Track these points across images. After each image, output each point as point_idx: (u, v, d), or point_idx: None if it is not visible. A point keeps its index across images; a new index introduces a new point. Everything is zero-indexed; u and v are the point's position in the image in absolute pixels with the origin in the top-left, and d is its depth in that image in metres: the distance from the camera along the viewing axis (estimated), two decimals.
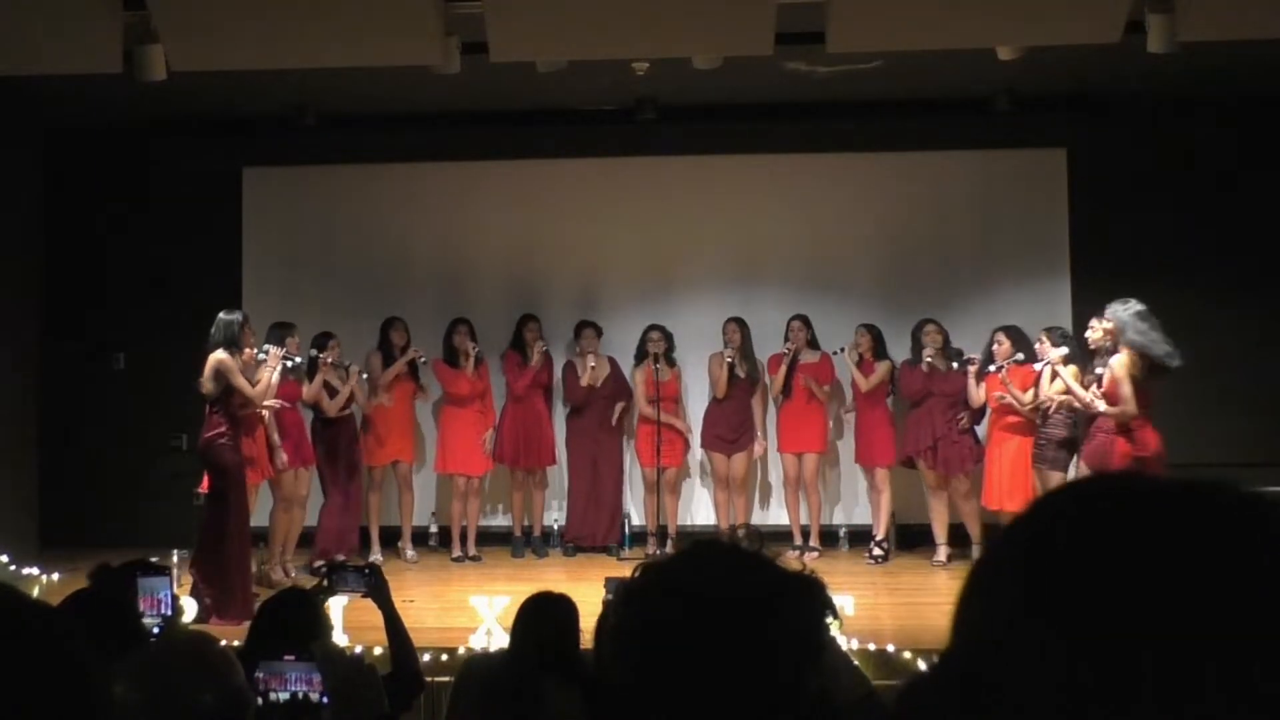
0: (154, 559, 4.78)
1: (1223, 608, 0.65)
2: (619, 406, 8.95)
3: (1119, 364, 6.68)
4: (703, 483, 9.38)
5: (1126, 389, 6.62)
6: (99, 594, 3.00)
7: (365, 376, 8.47)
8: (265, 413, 7.45)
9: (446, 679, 5.66)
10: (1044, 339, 7.68)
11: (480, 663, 3.99)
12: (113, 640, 2.54)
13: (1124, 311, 6.76)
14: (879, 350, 8.71)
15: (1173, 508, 0.70)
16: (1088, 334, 7.31)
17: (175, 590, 3.93)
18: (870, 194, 9.45)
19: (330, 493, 8.30)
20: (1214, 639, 0.65)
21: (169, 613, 3.80)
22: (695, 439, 9.15)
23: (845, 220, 9.49)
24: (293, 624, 3.51)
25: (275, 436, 7.68)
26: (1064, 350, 7.46)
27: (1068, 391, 7.36)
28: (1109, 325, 6.83)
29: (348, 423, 8.46)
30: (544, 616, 3.78)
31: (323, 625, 3.65)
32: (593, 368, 8.85)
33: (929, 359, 8.42)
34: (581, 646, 3.83)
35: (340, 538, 8.38)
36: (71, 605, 2.89)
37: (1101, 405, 6.89)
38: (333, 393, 8.24)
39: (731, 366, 8.77)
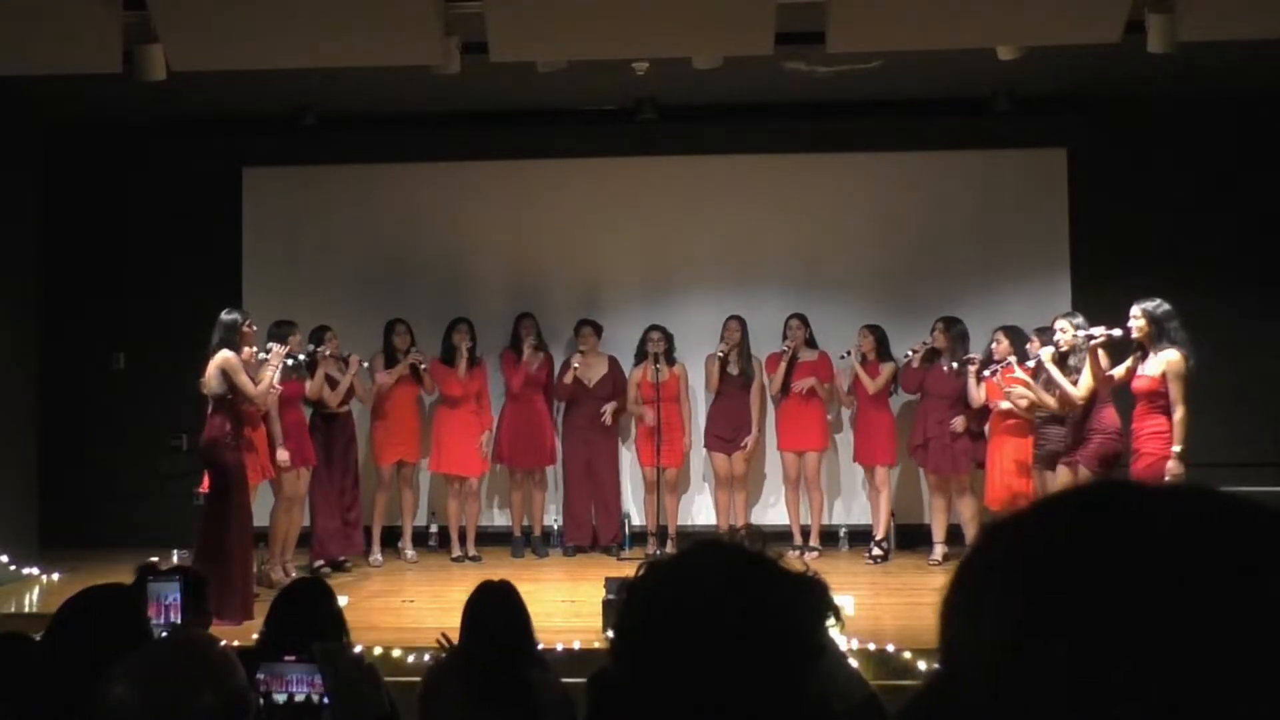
0: (155, 559, 4.78)
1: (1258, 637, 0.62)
2: (609, 406, 8.94)
3: (1176, 362, 6.55)
4: (702, 483, 9.38)
5: (1180, 389, 6.51)
6: (108, 592, 2.99)
7: (366, 366, 8.48)
8: (270, 409, 7.45)
9: None
10: (1034, 338, 7.71)
11: (440, 669, 3.92)
12: (117, 639, 2.54)
13: (1160, 310, 6.68)
14: (883, 351, 8.72)
15: (1207, 528, 0.67)
16: (1057, 335, 7.33)
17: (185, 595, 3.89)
18: (870, 194, 9.44)
19: (325, 492, 8.26)
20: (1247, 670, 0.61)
21: (176, 619, 3.78)
22: (697, 439, 9.15)
23: (845, 220, 9.49)
24: (311, 613, 3.53)
25: (277, 431, 7.67)
26: (1050, 349, 7.43)
27: (1048, 387, 7.40)
28: (1142, 324, 6.72)
29: (346, 420, 8.45)
30: (494, 605, 3.77)
31: (341, 620, 3.66)
32: (576, 367, 8.85)
33: (909, 353, 8.52)
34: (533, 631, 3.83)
35: (341, 538, 8.37)
36: (78, 602, 2.89)
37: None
38: (334, 385, 8.25)
39: (724, 362, 8.77)
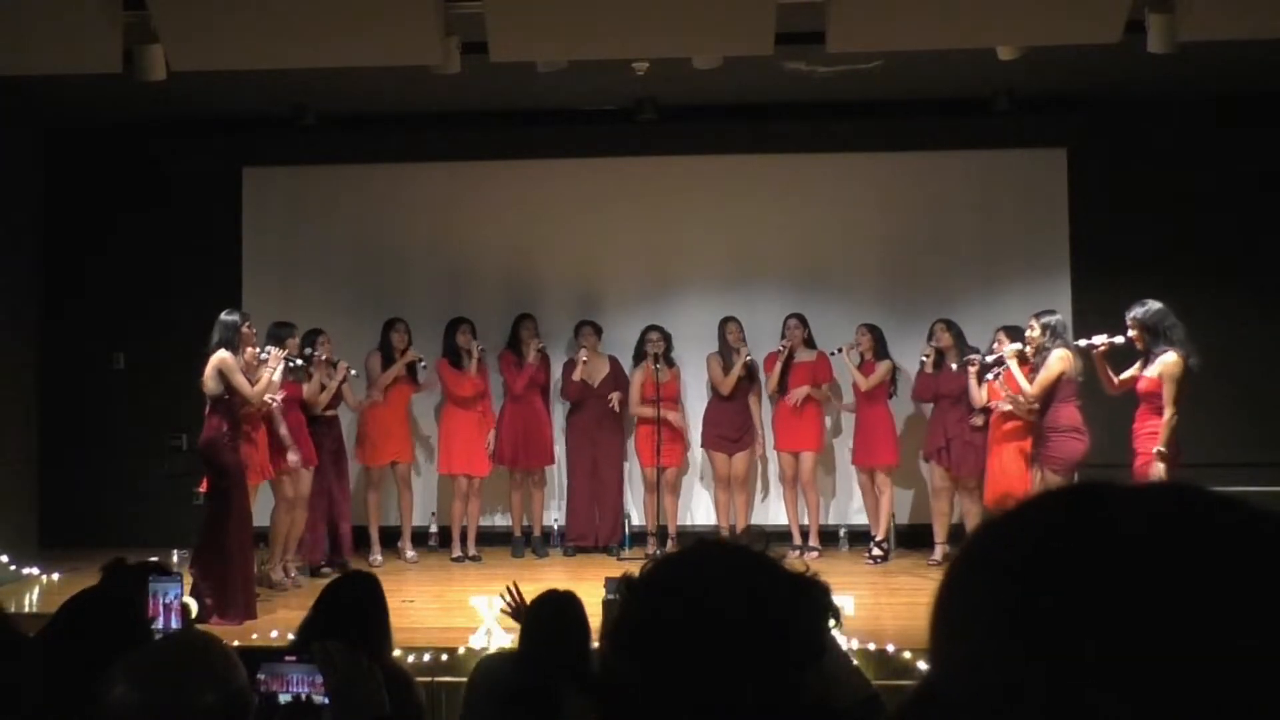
0: (155, 559, 4.78)
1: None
2: (615, 396, 8.94)
3: (1172, 364, 6.51)
4: (703, 482, 9.38)
5: (1172, 390, 6.48)
6: (107, 592, 3.00)
7: (354, 373, 8.44)
8: (274, 410, 7.43)
9: (447, 679, 5.67)
10: (1001, 338, 7.78)
11: (492, 664, 3.96)
12: (117, 639, 2.54)
13: (1151, 313, 6.64)
14: (880, 350, 8.72)
15: (1197, 534, 0.66)
16: (1028, 333, 7.36)
17: (184, 596, 3.89)
18: (870, 194, 9.44)
19: (312, 496, 8.20)
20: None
21: (176, 622, 3.78)
22: (695, 438, 9.15)
23: (845, 220, 9.49)
24: (360, 605, 3.53)
25: (284, 433, 7.62)
26: (1018, 345, 7.49)
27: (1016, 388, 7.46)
28: (1135, 332, 6.69)
29: (333, 424, 8.42)
30: (555, 615, 3.76)
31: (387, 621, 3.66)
32: (584, 362, 8.86)
33: (922, 357, 8.50)
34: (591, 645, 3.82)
35: (324, 542, 8.33)
36: (78, 602, 2.89)
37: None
38: (322, 389, 8.23)
39: (747, 366, 8.78)
